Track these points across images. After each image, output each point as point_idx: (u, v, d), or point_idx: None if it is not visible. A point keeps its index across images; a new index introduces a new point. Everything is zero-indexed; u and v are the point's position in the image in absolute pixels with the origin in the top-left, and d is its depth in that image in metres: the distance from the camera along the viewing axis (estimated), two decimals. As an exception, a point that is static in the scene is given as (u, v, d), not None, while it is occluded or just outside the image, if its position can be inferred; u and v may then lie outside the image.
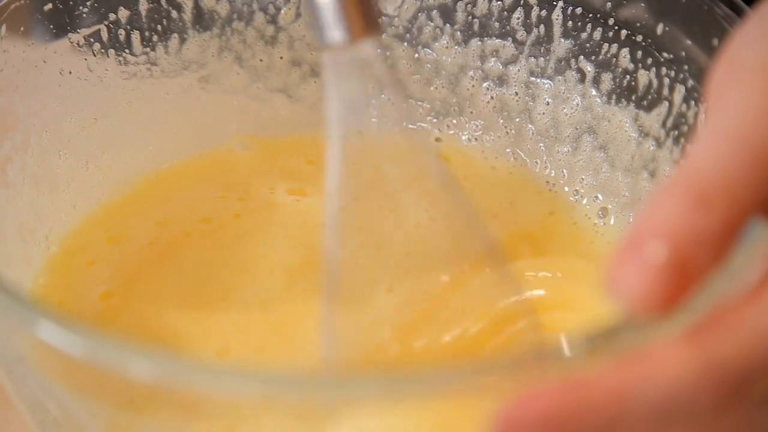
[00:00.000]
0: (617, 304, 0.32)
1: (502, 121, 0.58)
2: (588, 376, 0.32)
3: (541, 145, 0.57)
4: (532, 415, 0.32)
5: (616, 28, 0.54)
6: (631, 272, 0.32)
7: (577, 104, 0.56)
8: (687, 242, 0.32)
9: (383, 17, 0.56)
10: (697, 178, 0.33)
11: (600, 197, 0.56)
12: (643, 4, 0.53)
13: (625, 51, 0.54)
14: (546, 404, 0.32)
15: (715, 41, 0.49)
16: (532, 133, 0.58)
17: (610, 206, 0.55)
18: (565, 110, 0.57)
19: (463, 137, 0.59)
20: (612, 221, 0.55)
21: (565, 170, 0.57)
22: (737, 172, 0.33)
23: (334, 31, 0.42)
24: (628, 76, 0.54)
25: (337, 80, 0.43)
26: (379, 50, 0.43)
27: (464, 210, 0.45)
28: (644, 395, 0.32)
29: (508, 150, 0.58)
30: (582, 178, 0.56)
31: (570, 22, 0.56)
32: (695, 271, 0.32)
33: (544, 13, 0.56)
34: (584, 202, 0.56)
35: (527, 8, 0.56)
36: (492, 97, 0.58)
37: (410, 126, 0.46)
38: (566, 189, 0.57)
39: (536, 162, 0.58)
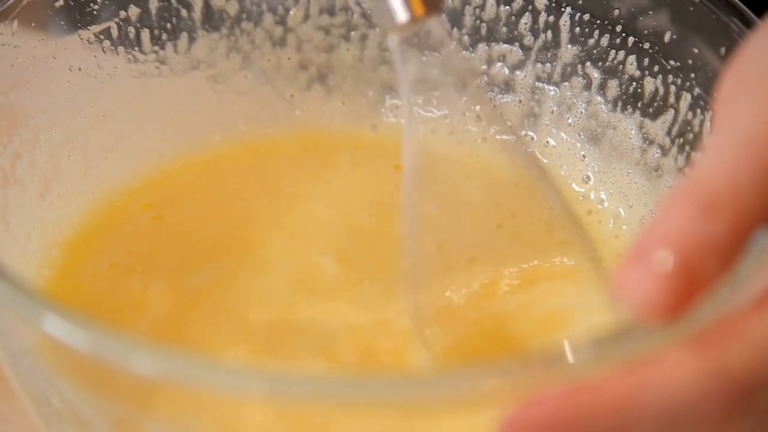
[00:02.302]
0: (624, 311, 0.32)
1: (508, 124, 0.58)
2: (594, 381, 0.32)
3: (547, 150, 0.58)
4: (538, 420, 0.32)
5: (624, 35, 0.54)
6: (639, 280, 0.32)
7: (582, 111, 0.56)
8: (694, 250, 0.32)
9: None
10: (705, 186, 0.33)
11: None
12: (651, 12, 0.53)
13: (632, 58, 0.54)
14: (551, 409, 0.32)
15: (723, 50, 0.49)
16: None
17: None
18: (569, 118, 0.57)
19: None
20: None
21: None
22: (745, 180, 0.33)
23: (397, 13, 0.43)
24: (634, 83, 0.54)
25: (404, 61, 0.45)
26: (441, 27, 0.44)
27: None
28: (649, 402, 0.32)
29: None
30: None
31: (578, 28, 0.56)
32: (702, 279, 0.32)
33: (551, 18, 0.56)
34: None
35: (535, 14, 0.57)
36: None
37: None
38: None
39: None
